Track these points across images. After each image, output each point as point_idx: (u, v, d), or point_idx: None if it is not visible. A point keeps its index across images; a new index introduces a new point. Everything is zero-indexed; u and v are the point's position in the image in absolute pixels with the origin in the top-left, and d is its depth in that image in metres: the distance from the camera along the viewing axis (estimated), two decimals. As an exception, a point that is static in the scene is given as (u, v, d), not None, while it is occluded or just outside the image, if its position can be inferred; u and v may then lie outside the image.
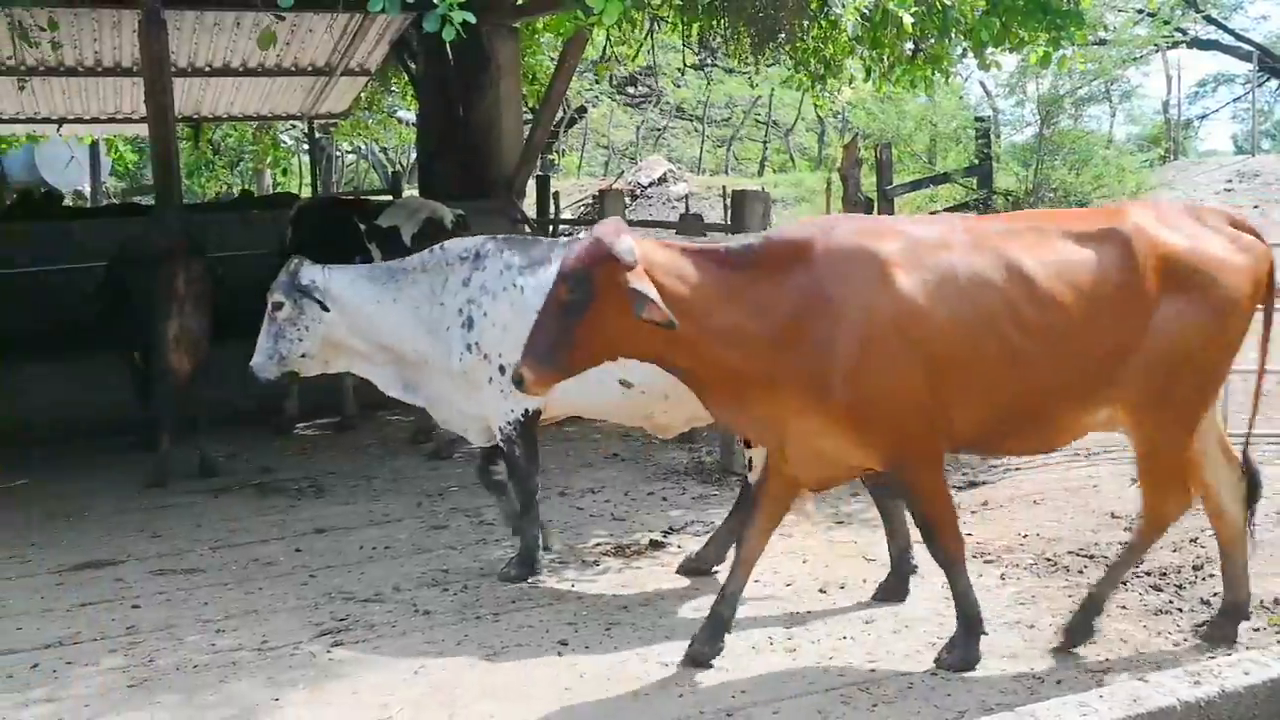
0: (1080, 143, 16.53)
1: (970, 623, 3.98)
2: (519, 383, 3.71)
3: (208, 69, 11.19)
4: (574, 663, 4.17)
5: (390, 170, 29.20)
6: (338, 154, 26.78)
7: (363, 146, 26.60)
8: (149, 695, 4.03)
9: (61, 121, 13.48)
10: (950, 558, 3.97)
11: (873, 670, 4.00)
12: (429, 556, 5.45)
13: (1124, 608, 4.46)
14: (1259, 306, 3.90)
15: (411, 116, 20.99)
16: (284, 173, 20.59)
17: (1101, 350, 3.69)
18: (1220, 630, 4.09)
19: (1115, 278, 3.67)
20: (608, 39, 11.61)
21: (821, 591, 4.78)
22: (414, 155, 28.07)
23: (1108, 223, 3.79)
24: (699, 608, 4.61)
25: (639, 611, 4.65)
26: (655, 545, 5.46)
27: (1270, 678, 3.29)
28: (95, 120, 13.59)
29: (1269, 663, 3.39)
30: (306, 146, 22.39)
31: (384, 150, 27.77)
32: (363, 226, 7.48)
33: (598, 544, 5.52)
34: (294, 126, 20.13)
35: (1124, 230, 3.73)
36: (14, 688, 4.12)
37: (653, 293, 3.50)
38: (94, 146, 21.19)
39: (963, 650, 3.95)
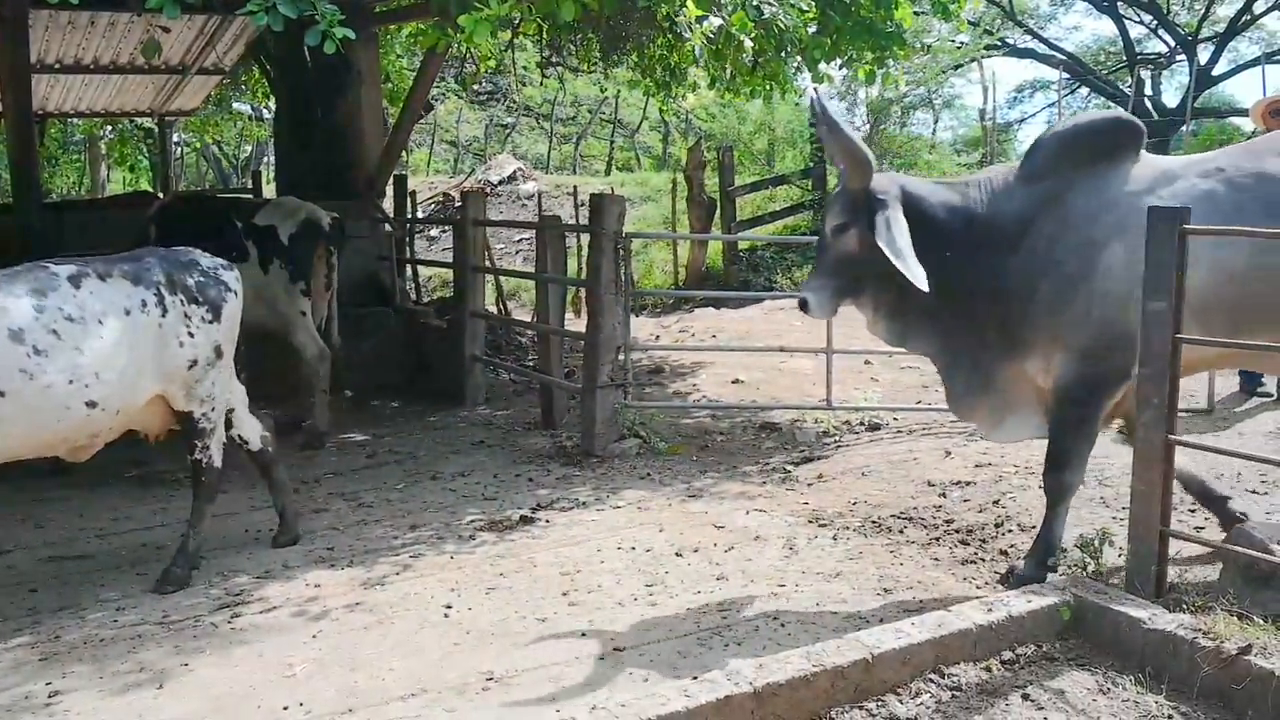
0: (906, 147, 17.71)
1: None
2: None
3: (57, 65, 11.12)
4: (459, 622, 4.64)
5: (225, 165, 28.79)
6: (175, 146, 26.31)
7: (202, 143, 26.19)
8: (62, 666, 4.33)
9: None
10: None
11: (724, 618, 4.59)
12: (313, 537, 5.82)
13: (936, 559, 5.17)
14: None
15: (249, 109, 20.85)
16: (131, 169, 20.19)
17: None
18: None
19: None
20: (467, 48, 11.96)
21: (677, 555, 5.36)
22: (249, 150, 27.77)
23: None
24: (568, 571, 5.15)
25: (514, 577, 5.14)
26: (525, 520, 5.94)
27: (1045, 604, 4.00)
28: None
29: (1046, 593, 4.11)
30: (139, 139, 21.95)
31: (218, 144, 27.35)
32: (239, 224, 7.69)
33: (472, 520, 5.98)
34: (133, 121, 19.81)
35: None
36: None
37: None
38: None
39: None
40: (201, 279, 5.09)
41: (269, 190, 13.16)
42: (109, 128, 19.97)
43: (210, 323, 5.07)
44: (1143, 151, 4.63)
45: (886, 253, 4.37)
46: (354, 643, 4.46)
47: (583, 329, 7.61)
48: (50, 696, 4.07)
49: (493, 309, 11.05)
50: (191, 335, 5.01)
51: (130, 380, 4.83)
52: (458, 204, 14.82)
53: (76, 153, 24.68)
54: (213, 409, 5.20)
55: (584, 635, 4.45)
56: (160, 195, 9.72)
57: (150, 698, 4.05)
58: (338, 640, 4.49)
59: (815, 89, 4.88)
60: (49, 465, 7.04)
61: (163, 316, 4.91)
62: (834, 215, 4.69)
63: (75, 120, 16.45)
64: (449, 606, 4.80)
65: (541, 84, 18.58)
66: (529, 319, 11.17)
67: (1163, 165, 4.62)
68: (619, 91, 23.34)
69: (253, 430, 5.62)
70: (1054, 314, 4.46)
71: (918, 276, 4.33)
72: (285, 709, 3.92)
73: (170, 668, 4.30)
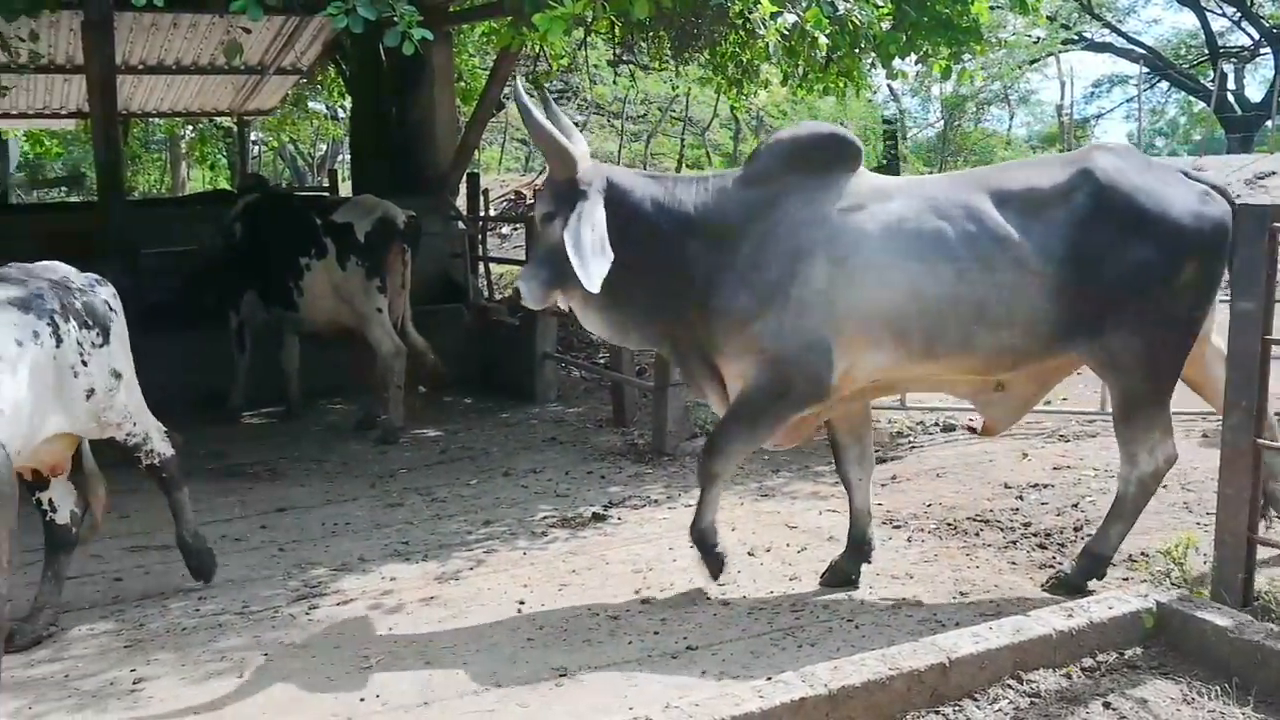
0: (982, 143, 17.46)
1: None
2: None
3: (141, 66, 11.38)
4: (532, 618, 4.67)
5: (301, 163, 29.22)
6: (252, 145, 26.79)
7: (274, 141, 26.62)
8: (145, 654, 4.44)
9: (-9, 116, 13.56)
10: None
11: (797, 618, 4.57)
12: (388, 531, 5.89)
13: (1013, 563, 5.09)
14: None
15: (323, 107, 21.16)
16: (211, 167, 20.63)
17: None
18: None
19: None
20: (540, 47, 12.04)
21: (750, 554, 5.34)
22: (324, 149, 28.18)
23: None
24: (640, 569, 5.16)
25: (586, 575, 5.15)
26: (598, 518, 5.96)
27: (1127, 611, 3.92)
28: (23, 115, 13.66)
29: (1129, 599, 4.02)
30: (219, 138, 22.39)
31: (293, 143, 27.80)
32: (319, 221, 7.83)
33: (544, 517, 6.01)
34: (213, 121, 20.19)
35: None
36: (18, 650, 4.49)
37: None
38: (1, 138, 20.96)
39: None
40: (86, 299, 4.50)
41: (345, 189, 13.34)
42: (189, 127, 20.40)
43: (100, 346, 4.48)
44: (861, 169, 4.68)
45: (566, 244, 4.37)
46: (428, 636, 4.51)
47: (654, 327, 7.60)
48: (135, 683, 4.17)
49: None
50: (85, 364, 4.40)
51: (29, 418, 4.12)
52: (529, 201, 14.92)
53: (157, 151, 25.24)
54: (135, 422, 4.79)
55: (656, 634, 4.45)
56: (240, 194, 9.87)
57: (231, 686, 4.13)
58: (412, 634, 4.54)
59: (517, 85, 4.90)
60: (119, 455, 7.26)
61: (57, 347, 4.25)
62: (542, 204, 4.71)
63: (157, 120, 16.83)
64: (522, 602, 4.83)
65: (615, 82, 18.58)
66: (599, 316, 11.18)
67: (879, 184, 4.67)
68: (689, 89, 23.34)
69: (65, 499, 4.79)
70: (752, 319, 4.49)
71: (590, 275, 4.30)
72: (362, 700, 3.97)
73: (250, 657, 4.38)
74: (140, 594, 5.08)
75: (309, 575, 5.26)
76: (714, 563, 4.87)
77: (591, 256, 4.33)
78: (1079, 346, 4.49)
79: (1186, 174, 4.57)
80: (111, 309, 4.64)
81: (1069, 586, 4.69)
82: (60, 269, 4.58)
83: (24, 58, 8.33)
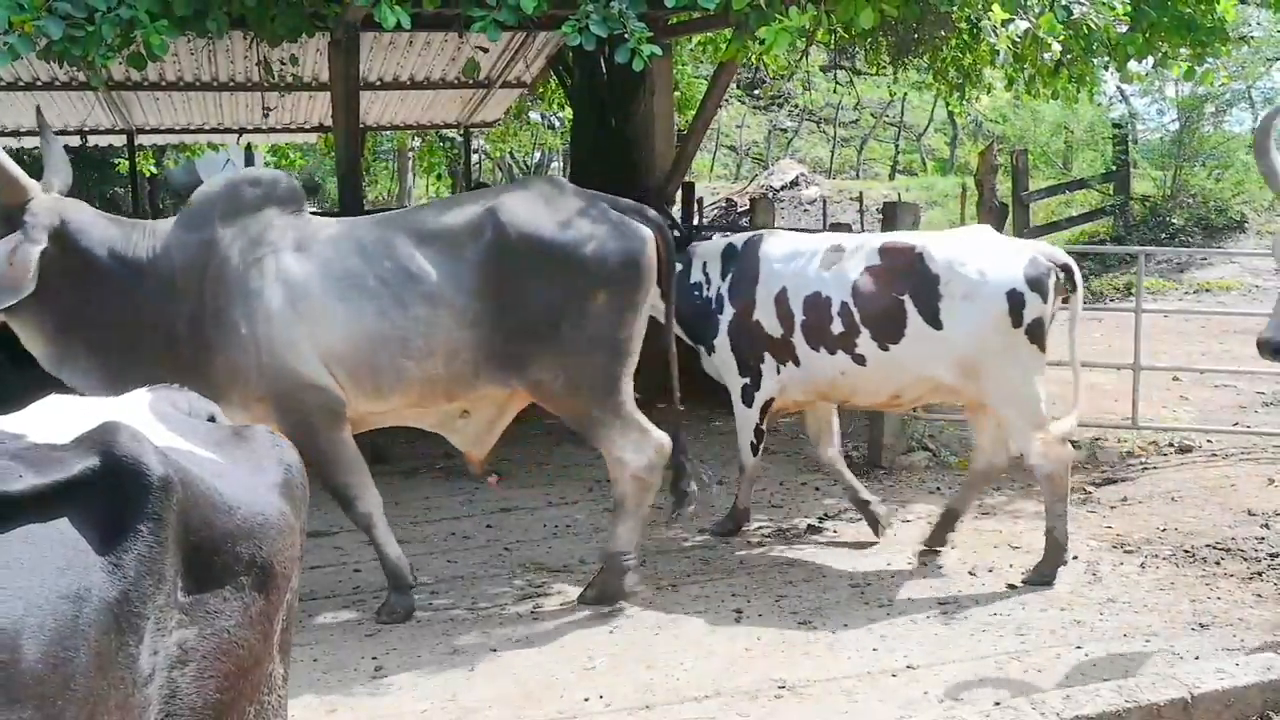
0: (1221, 146, 16.46)
1: None
2: None
3: (379, 82, 11.99)
4: (750, 628, 4.70)
5: (517, 170, 30.13)
6: (474, 154, 27.76)
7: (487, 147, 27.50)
8: (384, 643, 4.69)
9: (241, 131, 14.52)
10: None
11: (1022, 642, 4.44)
12: (606, 535, 6.02)
13: (1259, 596, 4.81)
14: None
15: (538, 117, 21.76)
16: (437, 177, 21.55)
17: None
18: None
19: None
20: (761, 57, 12.08)
21: (971, 574, 5.22)
22: (538, 157, 29.00)
23: None
24: (858, 583, 5.12)
25: (803, 586, 5.15)
26: (813, 530, 5.95)
27: (1395, 654, 3.65)
28: (271, 130, 14.59)
29: (1395, 642, 3.75)
30: (446, 149, 23.31)
31: (511, 153, 28.67)
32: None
33: (760, 527, 6.04)
34: (438, 132, 21.03)
35: None
36: (272, 632, 4.82)
37: None
38: (249, 150, 22.34)
39: None
40: None
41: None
42: (417, 138, 21.34)
43: None
44: (304, 211, 4.80)
45: None
46: (648, 641, 4.60)
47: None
48: (375, 670, 4.42)
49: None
50: None
51: None
52: (741, 209, 14.97)
53: (385, 161, 26.50)
54: None
55: (875, 650, 4.42)
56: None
57: (462, 679, 4.32)
58: (633, 637, 4.65)
59: (38, 110, 4.85)
60: (368, 455, 7.69)
61: None
62: None
63: (388, 131, 17.69)
64: (739, 611, 4.87)
65: (834, 90, 18.46)
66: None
67: (315, 226, 4.76)
68: (905, 94, 22.91)
69: None
70: (231, 363, 4.56)
71: None
72: (586, 700, 4.10)
73: (479, 652, 4.57)
74: (378, 586, 5.34)
75: (533, 575, 5.45)
76: (404, 607, 4.91)
77: None
78: (510, 380, 4.72)
79: (612, 205, 4.79)
80: None
81: (602, 595, 4.90)
82: None
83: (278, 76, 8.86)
